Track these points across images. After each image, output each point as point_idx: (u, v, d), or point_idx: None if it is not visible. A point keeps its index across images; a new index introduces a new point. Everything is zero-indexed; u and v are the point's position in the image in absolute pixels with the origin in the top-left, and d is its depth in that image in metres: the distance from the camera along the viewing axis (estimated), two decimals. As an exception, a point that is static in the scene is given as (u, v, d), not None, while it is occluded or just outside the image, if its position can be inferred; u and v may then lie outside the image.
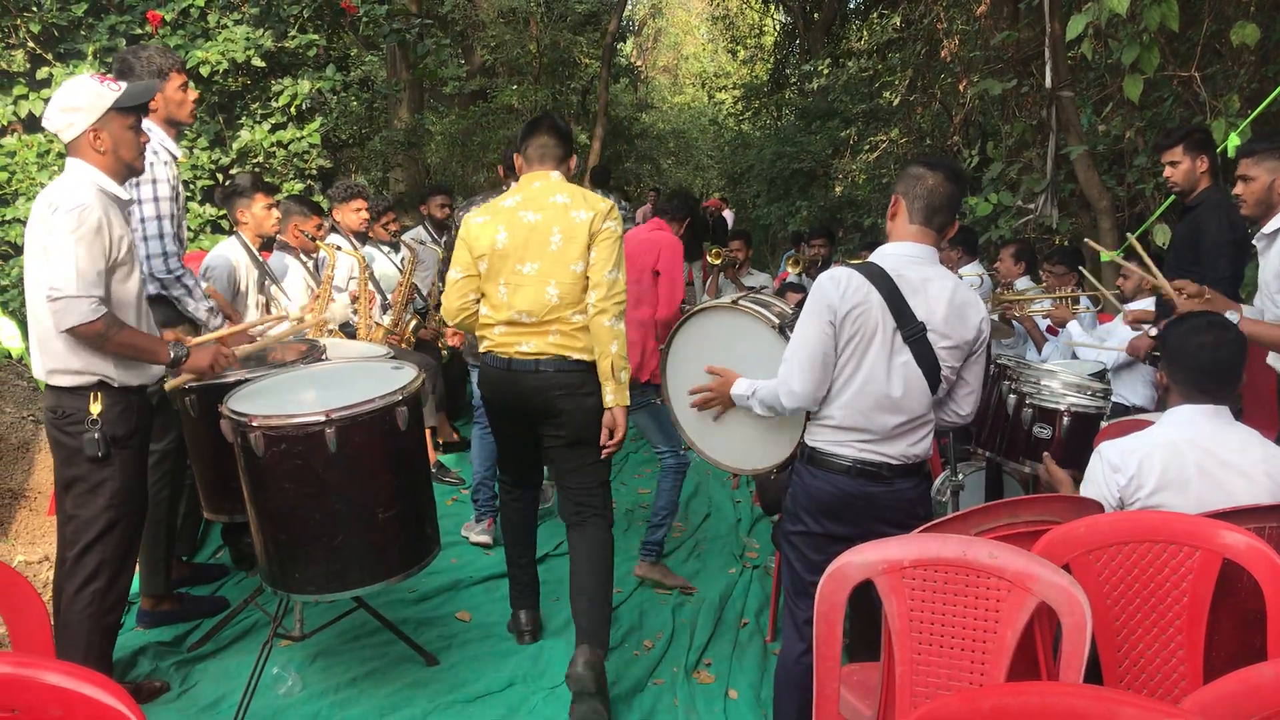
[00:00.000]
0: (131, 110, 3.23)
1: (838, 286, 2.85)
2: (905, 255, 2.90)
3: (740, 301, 3.39)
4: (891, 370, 2.85)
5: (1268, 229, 3.92)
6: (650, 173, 22.31)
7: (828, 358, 2.88)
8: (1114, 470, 2.82)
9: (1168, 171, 4.57)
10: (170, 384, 3.47)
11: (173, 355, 3.23)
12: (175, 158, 4.07)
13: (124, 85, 3.24)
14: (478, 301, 3.68)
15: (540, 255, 3.57)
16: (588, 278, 3.56)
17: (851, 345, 2.86)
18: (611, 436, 3.63)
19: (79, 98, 3.13)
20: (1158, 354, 3.33)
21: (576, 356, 3.60)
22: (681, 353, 3.51)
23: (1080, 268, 5.62)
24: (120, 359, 3.15)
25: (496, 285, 3.61)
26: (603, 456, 3.68)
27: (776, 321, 3.23)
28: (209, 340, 3.51)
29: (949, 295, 2.87)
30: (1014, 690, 1.61)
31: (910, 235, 2.92)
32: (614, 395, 3.58)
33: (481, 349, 3.74)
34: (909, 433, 2.91)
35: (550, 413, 3.64)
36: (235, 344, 3.68)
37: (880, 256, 2.93)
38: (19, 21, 6.51)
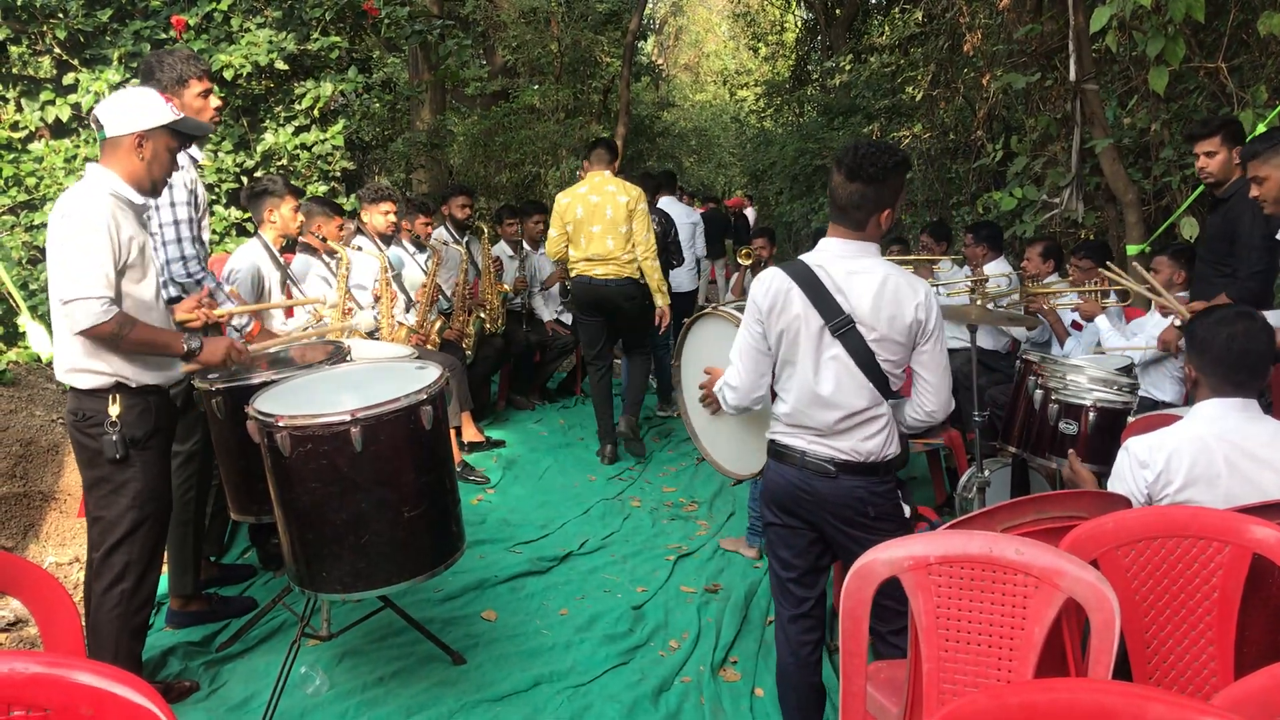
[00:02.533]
0: (180, 136, 3.32)
1: (761, 285, 2.93)
2: (831, 250, 2.91)
3: (720, 307, 3.58)
4: (820, 365, 2.87)
5: None
6: (672, 170, 22.28)
7: (759, 355, 2.97)
8: (1141, 466, 2.80)
9: (1202, 162, 4.51)
10: (185, 368, 3.50)
11: (187, 347, 3.30)
12: (196, 162, 4.10)
13: (184, 115, 3.33)
14: (567, 247, 6.46)
15: (600, 221, 6.34)
16: (630, 237, 6.28)
17: (784, 343, 2.91)
18: (659, 320, 6.58)
19: (142, 102, 3.21)
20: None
21: (626, 276, 6.38)
22: (688, 362, 3.78)
23: (1107, 264, 5.58)
24: (136, 359, 3.18)
25: (578, 239, 6.41)
26: (659, 329, 6.69)
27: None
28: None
29: (876, 287, 2.83)
30: (1042, 687, 1.59)
31: (833, 232, 2.93)
32: (660, 299, 6.50)
33: (573, 274, 6.52)
34: (855, 428, 2.90)
35: (615, 308, 6.49)
36: (259, 340, 3.73)
37: (812, 252, 2.96)
38: (45, 28, 6.56)
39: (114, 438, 3.15)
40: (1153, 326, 4.99)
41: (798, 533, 3.04)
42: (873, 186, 2.80)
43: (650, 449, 7.12)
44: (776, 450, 3.04)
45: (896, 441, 2.98)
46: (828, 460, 2.91)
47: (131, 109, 3.19)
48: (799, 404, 2.92)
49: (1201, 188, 5.91)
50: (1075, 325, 5.70)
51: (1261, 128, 5.23)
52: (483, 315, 7.25)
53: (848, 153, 2.82)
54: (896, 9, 16.78)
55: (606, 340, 6.66)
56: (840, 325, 2.82)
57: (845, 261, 2.87)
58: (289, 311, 5.13)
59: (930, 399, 2.97)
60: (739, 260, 9.17)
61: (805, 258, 2.92)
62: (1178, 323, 4.60)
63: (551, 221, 6.55)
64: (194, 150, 4.11)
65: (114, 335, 3.07)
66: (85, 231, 3.03)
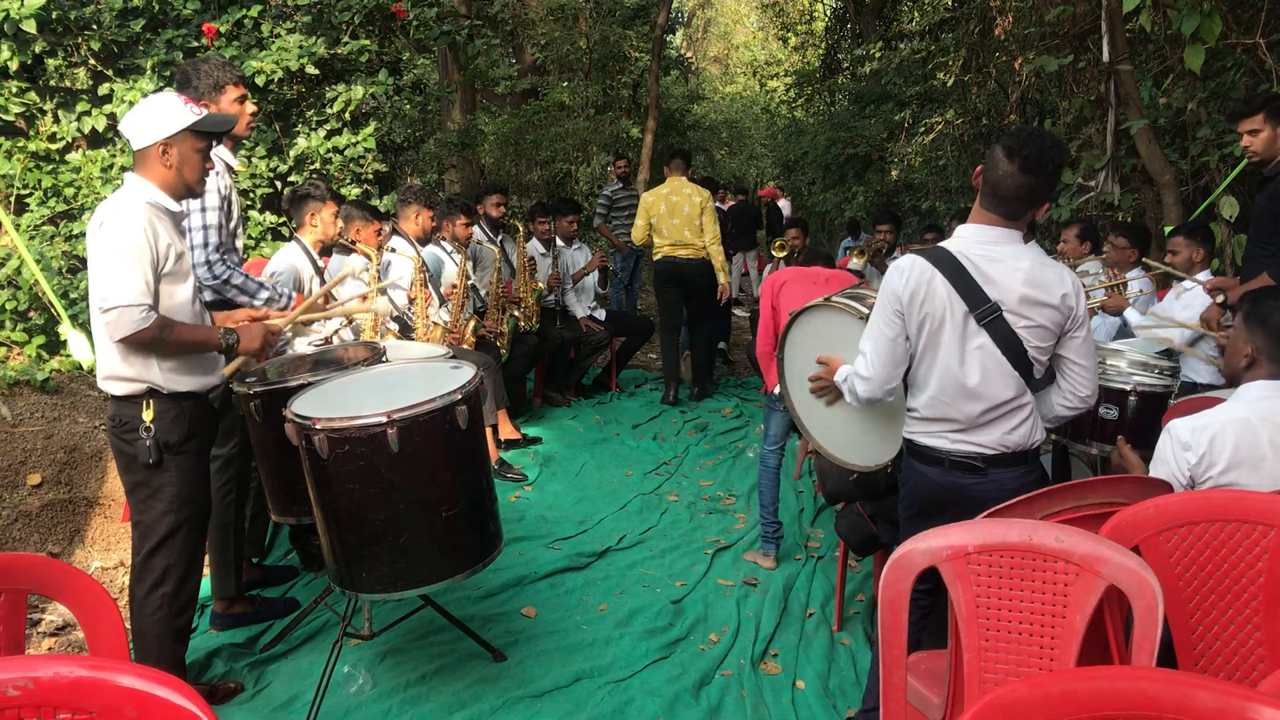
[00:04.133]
0: (205, 135, 3.32)
1: (901, 274, 2.84)
2: (974, 238, 2.85)
3: (834, 299, 3.51)
4: (966, 356, 2.80)
5: None
6: (704, 164, 22.24)
7: (896, 346, 2.86)
8: (1184, 448, 2.76)
9: (1246, 141, 4.44)
10: (228, 369, 3.54)
11: (225, 342, 3.35)
12: (231, 168, 4.13)
13: (206, 111, 3.35)
14: (650, 233, 8.19)
15: (679, 215, 8.08)
16: (702, 228, 8.03)
17: (924, 333, 2.83)
18: (720, 295, 8.27)
19: (158, 111, 3.23)
20: (1228, 326, 3.24)
21: (699, 258, 8.10)
22: (794, 354, 3.76)
23: (1144, 259, 5.51)
24: (170, 366, 3.22)
25: (660, 229, 8.14)
26: (720, 301, 8.38)
27: (866, 312, 3.23)
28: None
29: (1024, 275, 2.78)
30: (1084, 675, 1.58)
31: (981, 218, 2.86)
32: (723, 277, 8.20)
33: (656, 256, 8.23)
34: (999, 420, 2.84)
35: (689, 282, 8.18)
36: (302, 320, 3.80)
37: (951, 239, 2.89)
38: (80, 40, 6.64)
39: (148, 443, 3.19)
40: (1180, 309, 4.92)
41: None
42: (1046, 181, 2.74)
43: (686, 443, 7.13)
44: (916, 450, 2.96)
45: (1041, 428, 2.92)
46: (974, 456, 2.85)
47: (151, 119, 3.21)
48: (941, 395, 2.85)
49: (1241, 165, 5.82)
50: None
51: (1301, 104, 5.13)
52: (517, 314, 7.27)
53: (1025, 143, 2.69)
54: (926, -6, 16.65)
55: (678, 309, 8.41)
56: (987, 314, 2.77)
57: (990, 248, 2.81)
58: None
59: (1086, 384, 2.91)
60: (773, 252, 9.13)
61: (947, 245, 2.86)
62: (1219, 299, 4.53)
63: (638, 213, 8.36)
64: (229, 157, 4.14)
65: (155, 340, 3.12)
66: (123, 240, 3.07)
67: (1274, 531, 2.40)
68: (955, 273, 2.78)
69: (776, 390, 4.04)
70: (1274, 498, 2.45)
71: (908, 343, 2.88)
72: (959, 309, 2.78)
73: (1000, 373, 2.80)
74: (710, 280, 8.20)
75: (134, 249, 3.07)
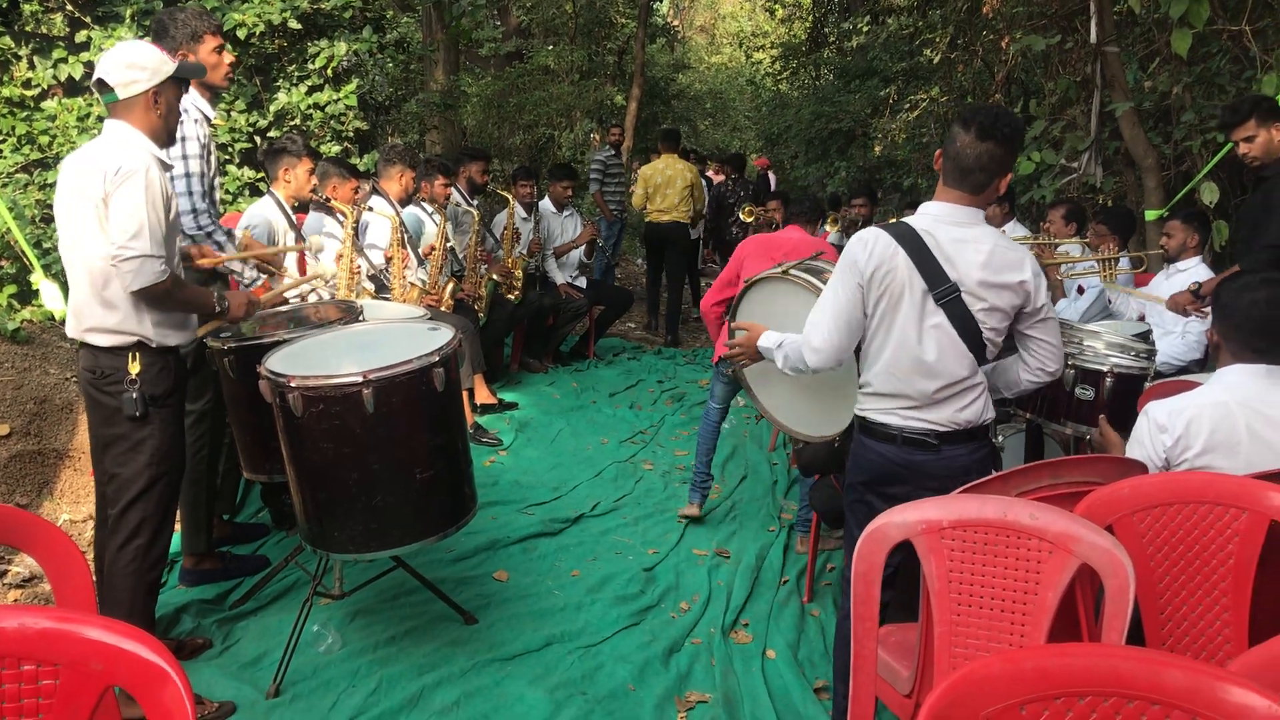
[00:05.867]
0: (183, 82, 3.35)
1: (865, 247, 2.82)
2: (939, 215, 2.84)
3: (791, 271, 3.44)
4: (923, 333, 2.80)
5: None
6: (688, 134, 22.12)
7: (853, 318, 2.86)
8: (1161, 430, 2.78)
9: (1243, 148, 4.43)
10: (202, 329, 3.52)
11: (219, 307, 3.38)
12: (208, 118, 4.07)
13: (180, 60, 3.35)
14: (647, 199, 9.73)
15: (671, 186, 9.64)
16: (692, 198, 9.71)
17: (881, 307, 2.82)
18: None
19: (147, 59, 3.19)
20: (1204, 311, 3.26)
21: (683, 220, 9.73)
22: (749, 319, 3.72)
23: (1119, 233, 5.54)
24: (160, 320, 3.19)
25: (655, 197, 9.70)
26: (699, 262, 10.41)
27: (822, 287, 3.21)
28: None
29: (985, 257, 2.78)
30: (1055, 651, 1.58)
31: (945, 196, 2.86)
32: (695, 233, 10.30)
33: (648, 219, 9.92)
34: (953, 398, 2.84)
35: (671, 242, 9.83)
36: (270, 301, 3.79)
37: (915, 216, 2.88)
38: (57, -15, 6.53)
39: (133, 395, 3.16)
40: (1169, 291, 4.95)
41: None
42: (1003, 147, 2.76)
43: (662, 413, 7.15)
44: (868, 426, 2.95)
45: (990, 406, 2.94)
46: (928, 434, 2.85)
47: (138, 66, 3.16)
48: (897, 371, 2.83)
49: (1224, 152, 5.83)
50: (1079, 290, 5.66)
51: (1286, 91, 5.14)
52: (498, 279, 7.23)
53: (979, 112, 2.76)
54: (915, -30, 16.56)
55: (661, 260, 10.18)
56: (945, 294, 2.76)
57: (953, 229, 2.81)
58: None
59: (1054, 360, 2.96)
60: (742, 217, 9.43)
61: (910, 221, 2.85)
62: (1191, 286, 4.55)
63: (637, 183, 10.07)
64: (206, 108, 4.08)
65: (167, 294, 3.11)
66: (149, 191, 3.04)
67: (1245, 515, 2.41)
68: (917, 250, 2.78)
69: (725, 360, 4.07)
70: (1246, 481, 2.47)
71: (865, 316, 2.87)
72: (918, 286, 2.78)
73: (955, 352, 2.81)
74: (686, 240, 9.95)
75: (157, 200, 3.07)
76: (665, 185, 9.66)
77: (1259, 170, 4.49)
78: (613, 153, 10.71)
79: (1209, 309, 3.99)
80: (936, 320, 2.79)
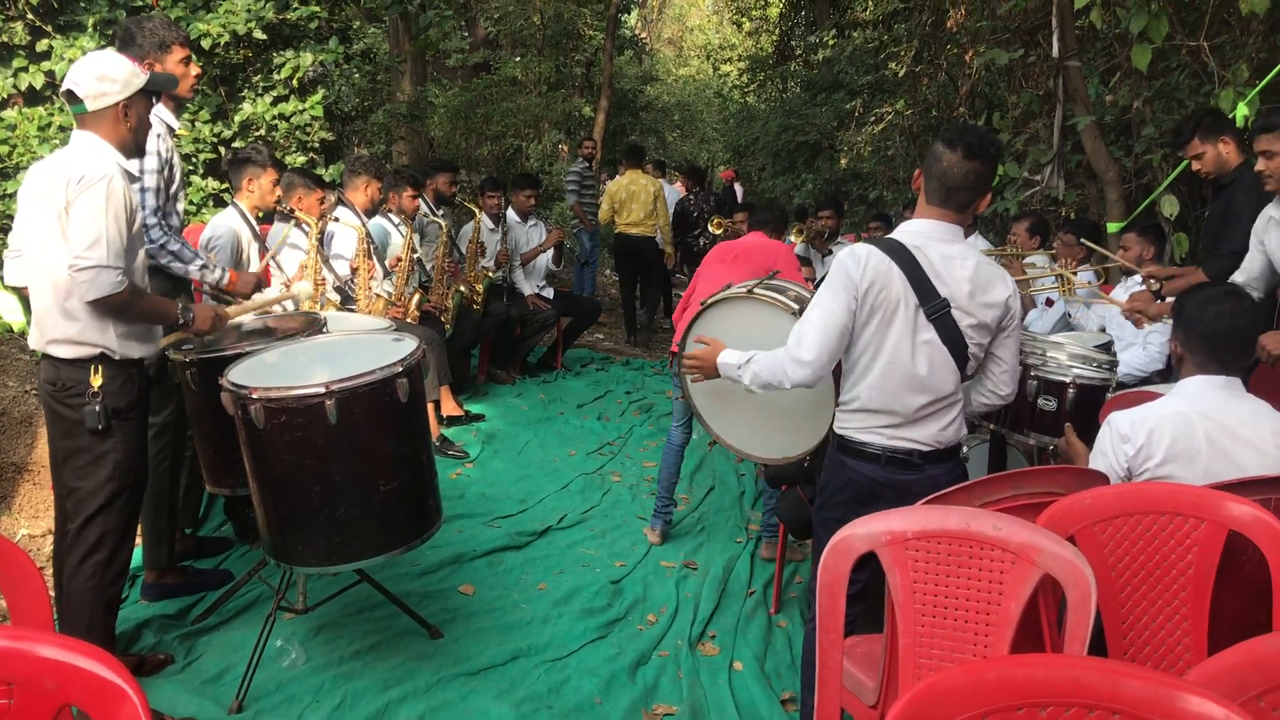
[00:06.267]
0: (153, 94, 3.33)
1: (859, 262, 2.81)
2: (927, 233, 2.85)
3: (756, 290, 3.42)
4: (916, 348, 2.80)
5: None
6: (656, 146, 22.17)
7: (844, 332, 2.83)
8: (1123, 440, 2.80)
9: (1195, 165, 4.50)
10: (165, 340, 3.49)
11: (182, 319, 3.35)
12: (172, 130, 4.04)
13: (150, 73, 3.33)
14: (615, 215, 9.96)
15: (636, 200, 9.89)
16: (655, 211, 9.95)
17: (874, 322, 2.81)
18: (668, 262, 10.71)
19: (118, 71, 3.17)
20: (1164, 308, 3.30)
21: (650, 234, 9.97)
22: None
23: (1085, 240, 5.59)
24: (123, 332, 3.15)
25: (622, 211, 9.95)
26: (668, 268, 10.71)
27: (795, 307, 3.21)
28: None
29: (970, 272, 2.80)
30: (1018, 662, 1.59)
31: (929, 214, 2.87)
32: (667, 248, 10.51)
33: (617, 232, 10.17)
34: (937, 415, 2.86)
35: (640, 253, 10.05)
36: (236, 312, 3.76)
37: (901, 233, 2.89)
38: (18, -7, 6.46)
39: (95, 408, 3.12)
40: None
41: None
42: (989, 166, 2.79)
43: (630, 424, 7.13)
44: (848, 446, 2.93)
45: (965, 425, 2.97)
46: (910, 453, 2.86)
47: (109, 78, 3.13)
48: (886, 386, 2.82)
49: (1183, 165, 5.91)
50: (1048, 302, 5.71)
51: (1242, 106, 5.22)
52: (463, 290, 7.20)
53: (965, 133, 2.78)
54: (881, -16, 16.69)
55: (634, 271, 10.26)
56: (937, 309, 2.77)
57: (940, 245, 2.82)
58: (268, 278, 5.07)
59: (1008, 383, 3.00)
60: (710, 229, 9.48)
61: (898, 237, 2.86)
62: (1154, 287, 4.60)
63: (604, 199, 10.31)
64: (170, 118, 4.04)
65: (125, 305, 3.08)
66: (111, 201, 3.01)
67: (1204, 525, 2.44)
68: (910, 265, 2.78)
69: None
70: (1205, 491, 2.49)
71: (853, 330, 2.86)
72: (911, 302, 2.79)
73: (946, 367, 2.83)
74: (656, 252, 10.22)
75: (119, 210, 3.03)
76: (630, 200, 9.96)
77: (1216, 180, 4.56)
78: (587, 165, 10.99)
79: (1168, 302, 4.05)
80: (928, 336, 2.80)
